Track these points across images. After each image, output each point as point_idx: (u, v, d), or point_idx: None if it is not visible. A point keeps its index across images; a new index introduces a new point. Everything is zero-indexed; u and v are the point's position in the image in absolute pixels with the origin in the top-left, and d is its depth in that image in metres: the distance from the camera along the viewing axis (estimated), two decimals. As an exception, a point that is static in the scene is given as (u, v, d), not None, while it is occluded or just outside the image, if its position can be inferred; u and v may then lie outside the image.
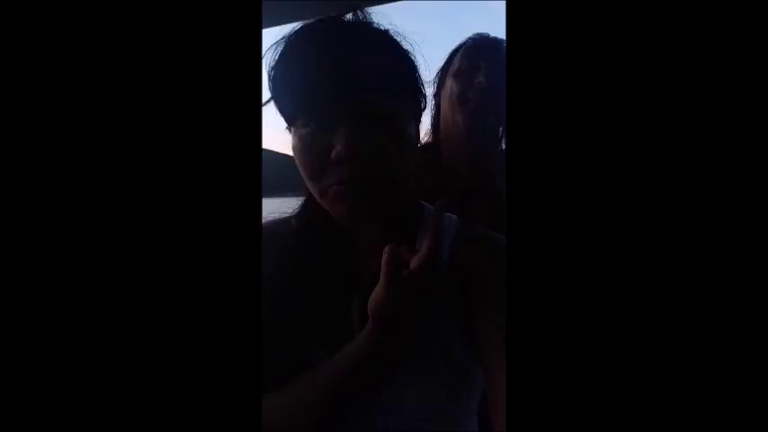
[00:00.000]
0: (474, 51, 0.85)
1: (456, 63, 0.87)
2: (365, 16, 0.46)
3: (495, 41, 0.86)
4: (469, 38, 0.88)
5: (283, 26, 0.44)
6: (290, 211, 0.56)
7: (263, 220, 0.59)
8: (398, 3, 1.06)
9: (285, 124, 0.46)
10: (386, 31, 0.46)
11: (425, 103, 0.51)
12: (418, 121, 0.50)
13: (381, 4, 1.01)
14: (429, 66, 0.51)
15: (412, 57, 0.47)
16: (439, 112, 0.90)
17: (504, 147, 0.87)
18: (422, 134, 0.55)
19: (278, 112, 0.46)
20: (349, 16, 0.45)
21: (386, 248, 0.39)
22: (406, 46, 0.46)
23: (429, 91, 0.63)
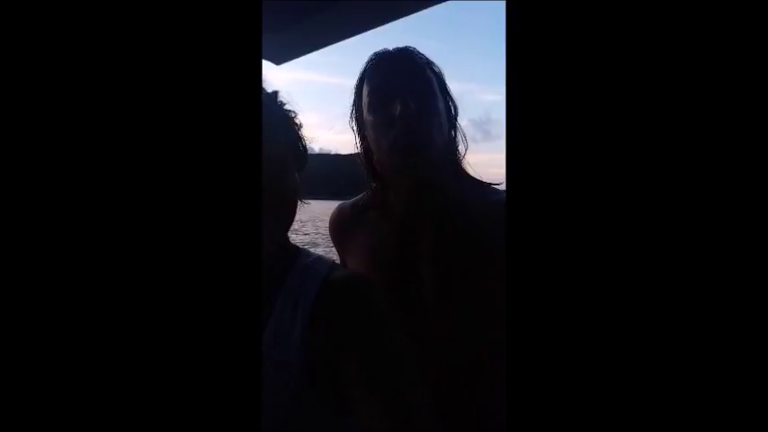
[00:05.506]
0: (382, 85, 0.73)
1: (366, 100, 0.75)
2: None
3: (395, 62, 0.74)
4: (368, 67, 0.76)
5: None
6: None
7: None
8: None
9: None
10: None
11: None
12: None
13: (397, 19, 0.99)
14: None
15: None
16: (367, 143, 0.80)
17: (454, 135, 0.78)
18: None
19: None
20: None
21: None
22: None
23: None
